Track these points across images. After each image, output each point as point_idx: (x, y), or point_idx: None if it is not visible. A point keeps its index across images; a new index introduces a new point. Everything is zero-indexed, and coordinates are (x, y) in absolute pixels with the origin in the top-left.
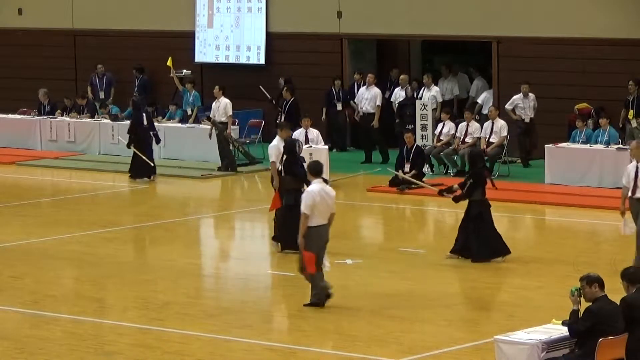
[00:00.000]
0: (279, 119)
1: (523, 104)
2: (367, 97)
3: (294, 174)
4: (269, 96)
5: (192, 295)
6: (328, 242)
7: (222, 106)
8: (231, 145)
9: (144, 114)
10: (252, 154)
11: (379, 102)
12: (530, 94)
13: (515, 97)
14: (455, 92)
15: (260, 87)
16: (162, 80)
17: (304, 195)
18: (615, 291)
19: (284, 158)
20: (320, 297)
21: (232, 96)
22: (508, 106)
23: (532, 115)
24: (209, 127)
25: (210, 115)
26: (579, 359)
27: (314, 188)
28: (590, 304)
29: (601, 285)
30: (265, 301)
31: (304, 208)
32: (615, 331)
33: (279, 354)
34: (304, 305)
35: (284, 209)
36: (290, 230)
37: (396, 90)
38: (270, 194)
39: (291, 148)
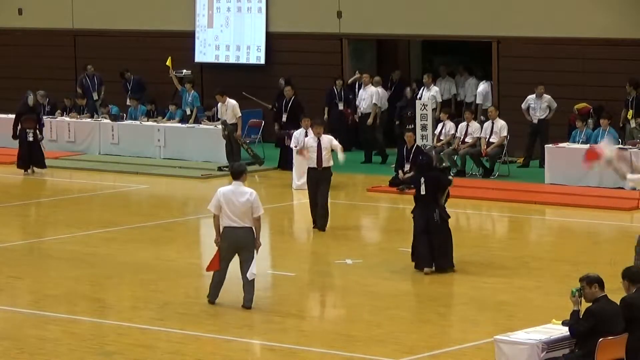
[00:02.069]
0: (282, 119)
1: (535, 104)
2: (364, 98)
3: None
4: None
5: (192, 295)
6: (251, 248)
7: (230, 108)
8: (241, 146)
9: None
10: (259, 155)
11: (374, 101)
12: (545, 95)
13: (529, 97)
14: (452, 91)
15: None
16: (161, 80)
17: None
18: (615, 291)
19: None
20: (212, 296)
21: (232, 96)
22: (523, 105)
23: (543, 117)
24: (209, 127)
25: (219, 116)
26: (579, 359)
27: (223, 189)
28: (591, 304)
29: (601, 285)
30: (265, 301)
31: (209, 206)
32: (616, 331)
33: (279, 354)
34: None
35: None
36: None
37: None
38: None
39: (428, 161)
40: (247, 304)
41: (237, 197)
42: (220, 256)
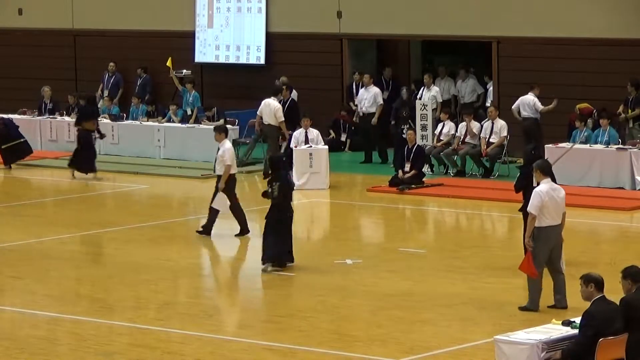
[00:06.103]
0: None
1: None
2: (367, 97)
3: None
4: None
5: (192, 295)
6: (561, 243)
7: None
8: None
9: None
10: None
11: (379, 101)
12: None
13: (534, 99)
14: (452, 91)
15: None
16: (162, 80)
17: (532, 195)
18: (615, 291)
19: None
20: (534, 304)
21: (232, 96)
22: (525, 112)
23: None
24: (209, 127)
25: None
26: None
27: (543, 188)
28: (589, 304)
29: (598, 285)
30: (265, 301)
31: (531, 208)
32: (614, 330)
33: (279, 354)
34: (519, 308)
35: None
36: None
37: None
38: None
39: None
40: (563, 304)
41: (557, 193)
42: (539, 259)
